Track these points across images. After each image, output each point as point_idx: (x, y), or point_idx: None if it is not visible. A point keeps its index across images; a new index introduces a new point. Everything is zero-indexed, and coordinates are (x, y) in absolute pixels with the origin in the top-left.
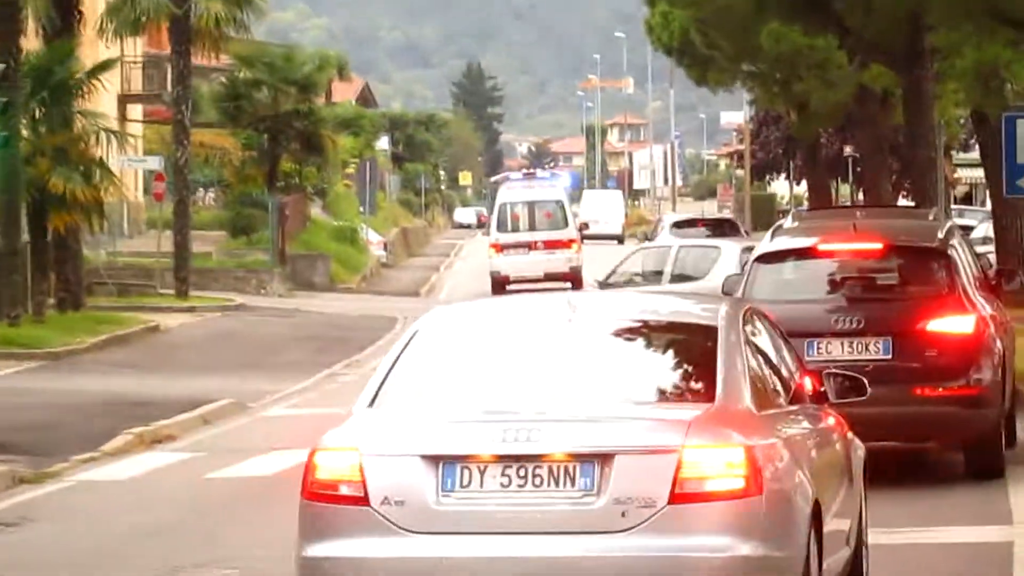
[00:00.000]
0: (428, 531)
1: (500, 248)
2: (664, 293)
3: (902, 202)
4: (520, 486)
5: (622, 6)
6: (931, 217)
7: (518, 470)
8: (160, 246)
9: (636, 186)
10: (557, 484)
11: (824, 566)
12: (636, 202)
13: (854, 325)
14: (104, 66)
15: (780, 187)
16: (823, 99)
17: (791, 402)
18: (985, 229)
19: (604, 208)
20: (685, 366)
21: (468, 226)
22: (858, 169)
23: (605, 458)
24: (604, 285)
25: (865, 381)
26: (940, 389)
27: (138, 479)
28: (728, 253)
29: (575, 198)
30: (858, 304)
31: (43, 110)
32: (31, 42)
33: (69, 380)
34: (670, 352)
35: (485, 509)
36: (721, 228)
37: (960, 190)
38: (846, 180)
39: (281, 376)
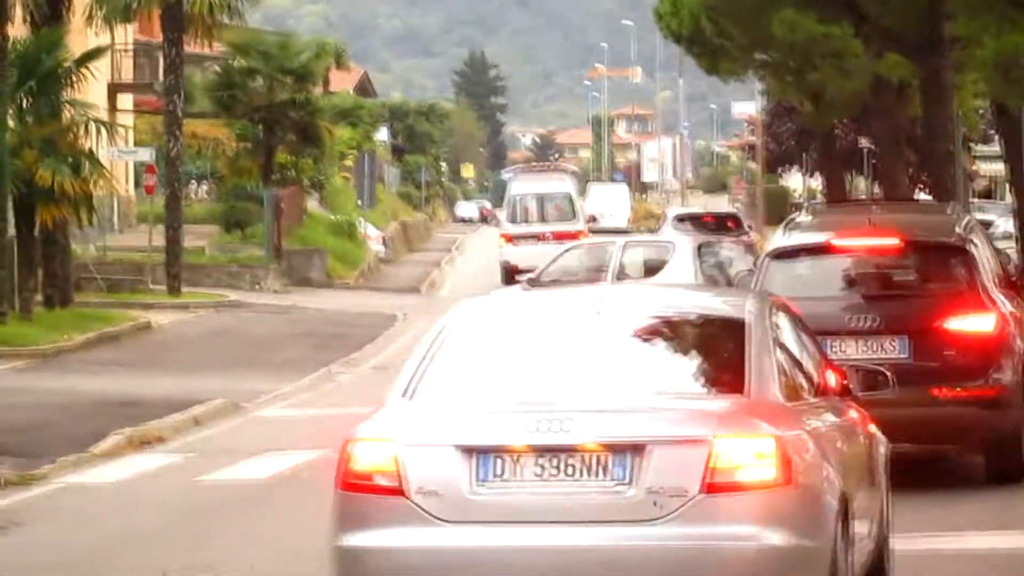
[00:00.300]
0: (463, 521)
1: (511, 239)
2: (689, 287)
3: (920, 196)
4: (554, 476)
5: None
6: (950, 212)
7: (552, 460)
8: (151, 241)
9: (645, 179)
10: (590, 474)
11: (851, 557)
12: (644, 196)
13: (870, 323)
14: (93, 54)
15: (794, 180)
16: (838, 89)
17: (816, 395)
18: (1006, 224)
19: (610, 202)
20: (714, 358)
21: (470, 220)
22: (874, 162)
23: (638, 448)
24: (534, 283)
25: (889, 375)
26: (959, 390)
27: (127, 482)
28: (681, 250)
29: (580, 191)
30: (874, 302)
31: (30, 100)
32: (18, 30)
33: (57, 379)
34: (699, 345)
35: (520, 499)
36: (724, 223)
37: (980, 184)
38: (862, 173)
39: (276, 375)
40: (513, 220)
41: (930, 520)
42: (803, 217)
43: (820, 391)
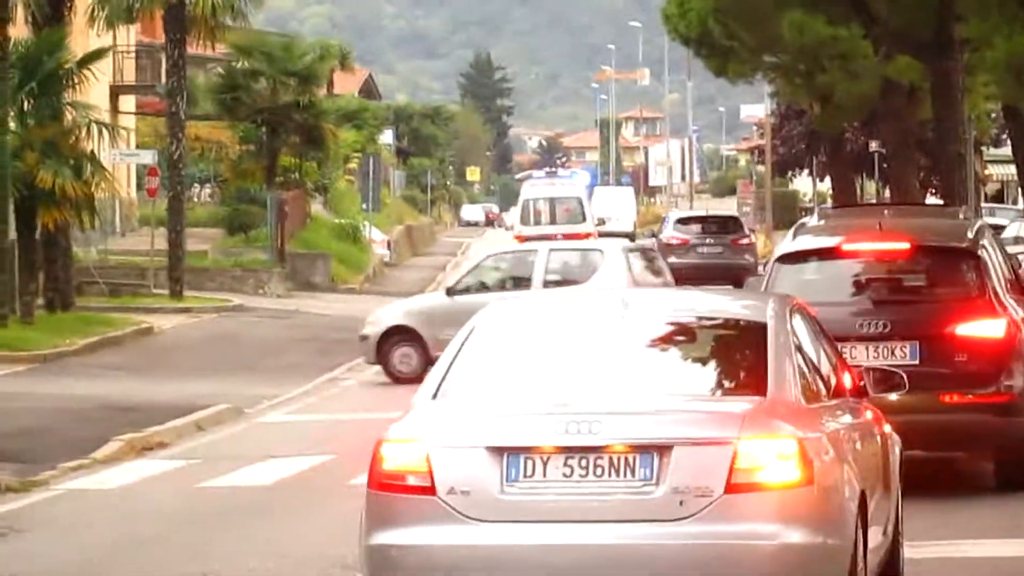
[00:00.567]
0: (493, 520)
1: (523, 240)
2: (710, 291)
3: (930, 200)
4: (582, 476)
5: None
6: (960, 216)
7: (580, 461)
8: (153, 244)
9: (652, 183)
10: (617, 474)
11: (868, 556)
12: (652, 199)
13: (880, 329)
14: (95, 56)
15: (803, 184)
16: (848, 92)
17: (834, 396)
18: (1017, 228)
19: (615, 205)
20: (737, 360)
21: (476, 224)
22: (884, 165)
23: (663, 449)
24: (452, 293)
25: (904, 376)
26: (970, 396)
27: (129, 488)
28: (611, 256)
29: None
30: (884, 307)
31: (32, 102)
32: (20, 31)
33: (58, 384)
34: (721, 347)
35: (548, 498)
36: (725, 225)
37: (991, 187)
38: (872, 177)
39: (279, 380)
40: (525, 222)
41: (940, 527)
42: (813, 221)
43: (837, 392)
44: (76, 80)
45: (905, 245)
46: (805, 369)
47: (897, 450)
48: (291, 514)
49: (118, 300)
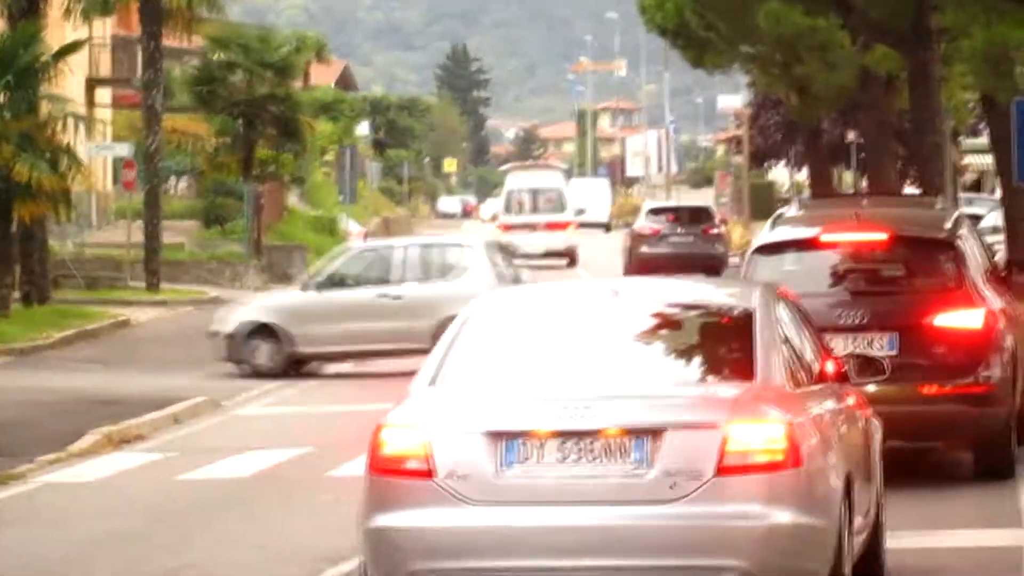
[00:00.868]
0: (490, 502)
1: (507, 228)
2: (697, 280)
3: (908, 190)
4: (576, 460)
5: None
6: (938, 206)
7: (575, 444)
8: (130, 237)
9: (629, 173)
10: (611, 457)
11: (853, 536)
12: (630, 190)
13: (858, 320)
14: (71, 48)
15: (780, 174)
16: (825, 82)
17: (817, 381)
18: (995, 218)
19: (590, 196)
20: (725, 347)
21: (453, 216)
22: (861, 156)
23: (655, 433)
24: (319, 287)
25: (885, 362)
26: (948, 387)
27: (106, 481)
28: (476, 253)
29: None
30: (862, 298)
31: (7, 95)
32: None
33: (34, 377)
34: (710, 334)
35: (543, 481)
36: (696, 216)
37: (968, 177)
38: (849, 167)
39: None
40: (509, 211)
41: (919, 517)
42: (791, 212)
43: (821, 378)
44: (52, 73)
45: (883, 236)
46: (791, 355)
47: (878, 435)
48: (270, 507)
49: (94, 293)
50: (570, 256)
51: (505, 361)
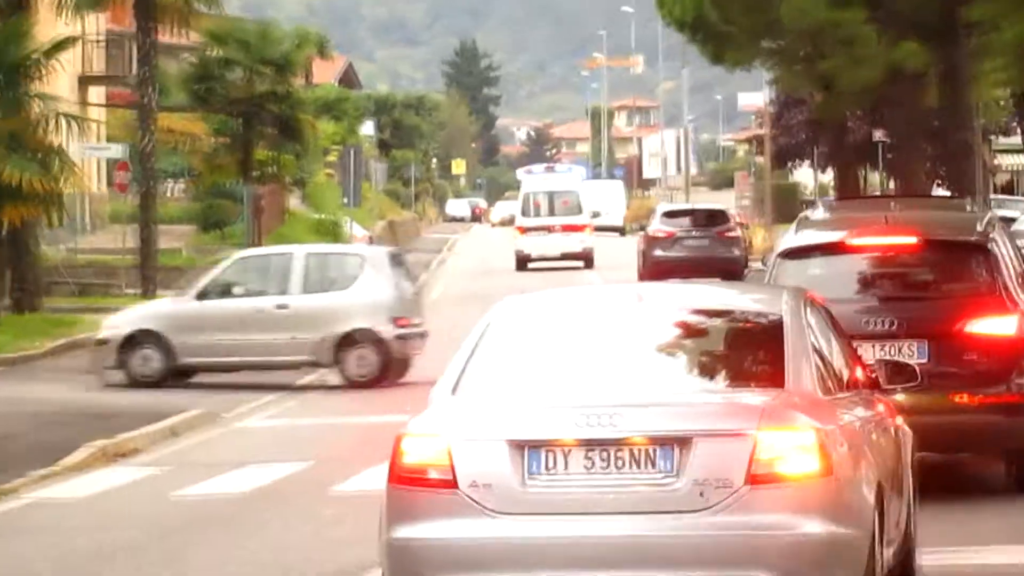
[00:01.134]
0: (515, 513)
1: (524, 230)
2: (723, 284)
3: (938, 191)
4: (603, 469)
5: None
6: (969, 208)
7: (601, 453)
8: (124, 242)
9: (646, 175)
10: (638, 466)
11: (885, 547)
12: (647, 192)
13: (887, 327)
14: (62, 45)
15: (803, 175)
16: (850, 78)
17: (848, 388)
18: None
19: (604, 199)
20: (753, 353)
21: (461, 219)
22: (889, 155)
23: (684, 441)
24: (201, 296)
25: (917, 368)
26: (980, 396)
27: (100, 496)
28: (373, 263)
29: None
30: (891, 304)
31: None
32: None
33: (25, 388)
34: (738, 340)
35: (569, 491)
36: (711, 218)
37: (1000, 178)
38: (876, 167)
39: (258, 384)
40: (526, 214)
41: (950, 533)
42: (816, 214)
43: (851, 385)
44: (42, 71)
45: (913, 239)
46: (820, 361)
47: (910, 445)
48: (270, 523)
49: (88, 300)
50: (586, 259)
51: (528, 368)
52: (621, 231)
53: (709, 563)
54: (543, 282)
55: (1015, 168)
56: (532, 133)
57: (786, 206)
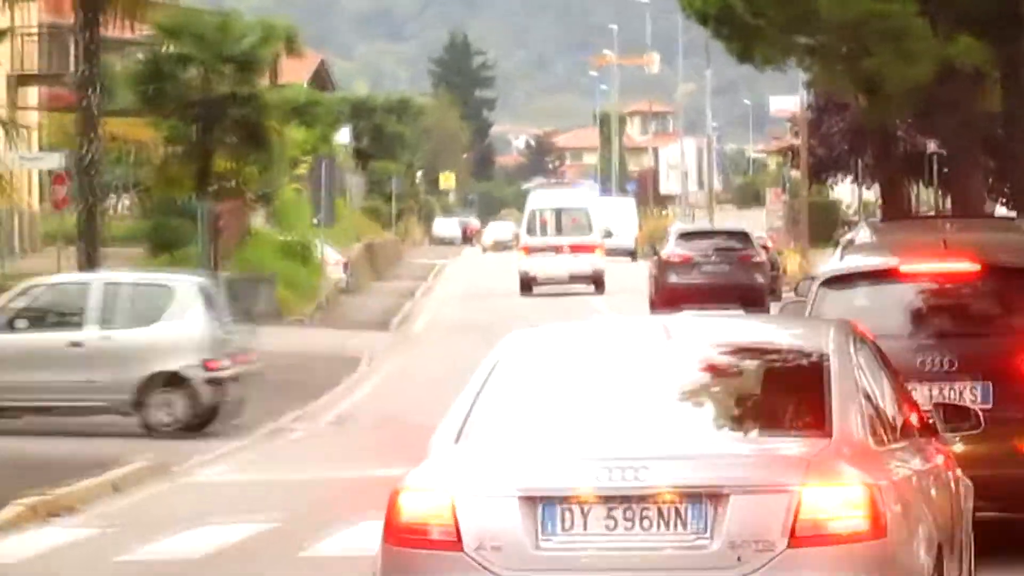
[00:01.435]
0: None
1: (529, 251)
2: (761, 318)
3: (1000, 211)
4: (627, 528)
5: None
6: None
7: (624, 511)
8: (61, 266)
9: (663, 190)
10: (667, 525)
11: None
12: (664, 210)
13: (944, 366)
14: None
15: (844, 191)
16: (899, 79)
17: (902, 436)
18: None
19: (614, 218)
20: (796, 396)
21: (451, 241)
22: (943, 169)
23: (718, 497)
24: None
25: (979, 412)
26: None
27: (31, 562)
28: (183, 294)
29: None
30: (949, 340)
31: None
32: None
33: None
34: (778, 381)
35: (589, 553)
36: (733, 241)
37: None
38: (928, 183)
39: (212, 431)
40: (532, 232)
41: None
42: (863, 236)
43: (905, 431)
44: None
45: (974, 266)
46: (871, 406)
47: (970, 500)
48: None
49: None
50: (597, 281)
51: (541, 413)
52: (632, 255)
53: None
54: (541, 311)
55: None
56: (532, 142)
57: (824, 227)
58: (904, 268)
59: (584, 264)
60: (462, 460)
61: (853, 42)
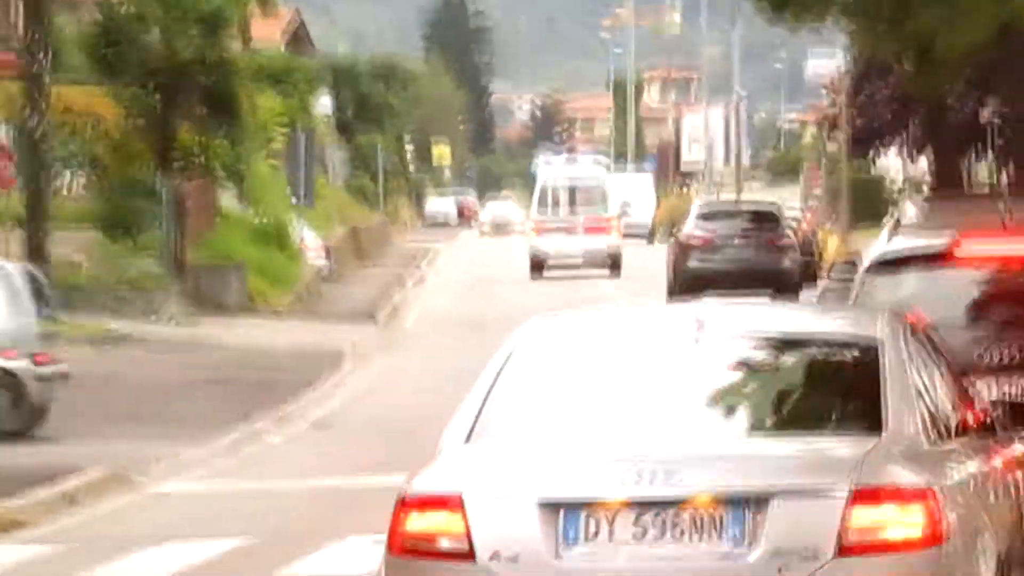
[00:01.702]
0: None
1: (540, 229)
2: (803, 306)
3: None
4: (657, 537)
5: None
6: None
7: (655, 518)
8: (8, 251)
9: (685, 164)
10: (702, 534)
11: None
12: (686, 186)
13: (1006, 359)
14: None
15: (889, 165)
16: (951, 39)
17: (959, 435)
18: None
19: (629, 196)
20: (844, 391)
21: (445, 222)
22: (1001, 140)
23: (759, 502)
24: None
25: None
26: None
27: None
28: (5, 280)
29: None
30: (1010, 329)
31: None
32: None
33: None
34: (824, 373)
35: (615, 565)
36: (759, 220)
37: None
38: (983, 155)
39: (179, 436)
40: (543, 209)
41: None
42: (913, 215)
43: (963, 430)
44: None
45: None
46: (927, 402)
47: None
48: None
49: None
50: (613, 262)
51: (562, 408)
52: (649, 236)
53: None
54: (549, 304)
55: None
56: (537, 110)
57: (867, 205)
58: (960, 251)
59: (599, 243)
60: (474, 461)
61: None
